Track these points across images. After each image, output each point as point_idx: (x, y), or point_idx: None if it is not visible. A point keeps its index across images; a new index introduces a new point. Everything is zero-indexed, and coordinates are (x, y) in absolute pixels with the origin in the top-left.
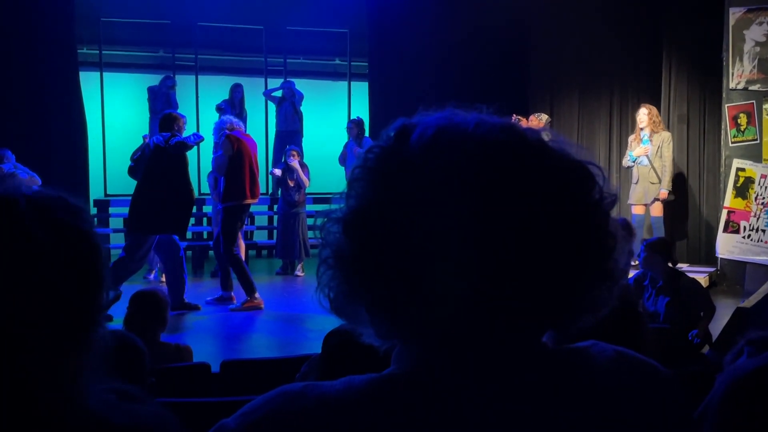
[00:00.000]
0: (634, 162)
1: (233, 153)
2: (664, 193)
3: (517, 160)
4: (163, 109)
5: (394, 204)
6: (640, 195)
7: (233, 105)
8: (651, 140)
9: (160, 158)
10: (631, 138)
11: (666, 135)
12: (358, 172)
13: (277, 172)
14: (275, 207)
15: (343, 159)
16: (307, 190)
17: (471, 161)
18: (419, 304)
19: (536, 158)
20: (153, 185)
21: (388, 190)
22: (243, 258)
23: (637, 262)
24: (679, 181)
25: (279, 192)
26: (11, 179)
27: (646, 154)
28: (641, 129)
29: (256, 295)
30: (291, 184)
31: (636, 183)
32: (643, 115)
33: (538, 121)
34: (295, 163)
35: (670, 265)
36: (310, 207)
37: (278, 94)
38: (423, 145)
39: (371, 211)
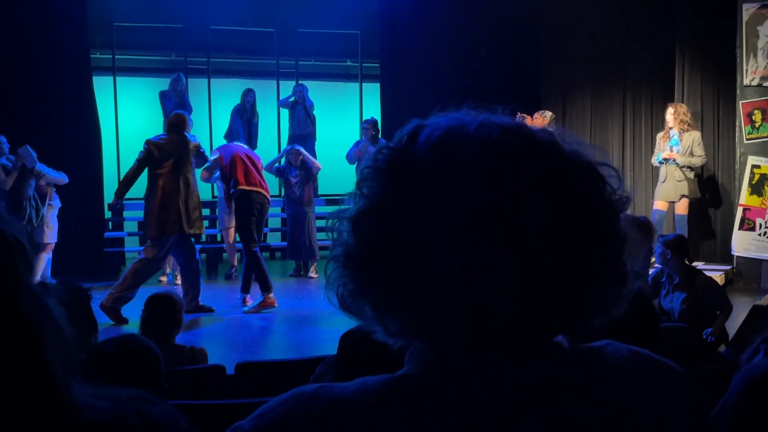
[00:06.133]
0: (660, 163)
1: (219, 164)
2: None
3: (518, 162)
4: (174, 110)
5: (401, 204)
6: (666, 193)
7: (245, 110)
8: (681, 139)
9: (152, 161)
10: (659, 135)
11: (696, 135)
12: (367, 172)
13: (276, 165)
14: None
15: (352, 156)
16: (319, 191)
17: (470, 162)
18: (423, 304)
19: (540, 159)
20: (154, 188)
21: (395, 190)
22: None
23: (654, 260)
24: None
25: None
26: (39, 178)
27: (673, 157)
28: (670, 128)
29: (271, 294)
30: (293, 180)
31: (663, 182)
32: (669, 114)
33: (542, 119)
34: (301, 149)
35: (686, 262)
36: (322, 209)
37: (291, 98)
38: (430, 146)
39: (378, 210)
